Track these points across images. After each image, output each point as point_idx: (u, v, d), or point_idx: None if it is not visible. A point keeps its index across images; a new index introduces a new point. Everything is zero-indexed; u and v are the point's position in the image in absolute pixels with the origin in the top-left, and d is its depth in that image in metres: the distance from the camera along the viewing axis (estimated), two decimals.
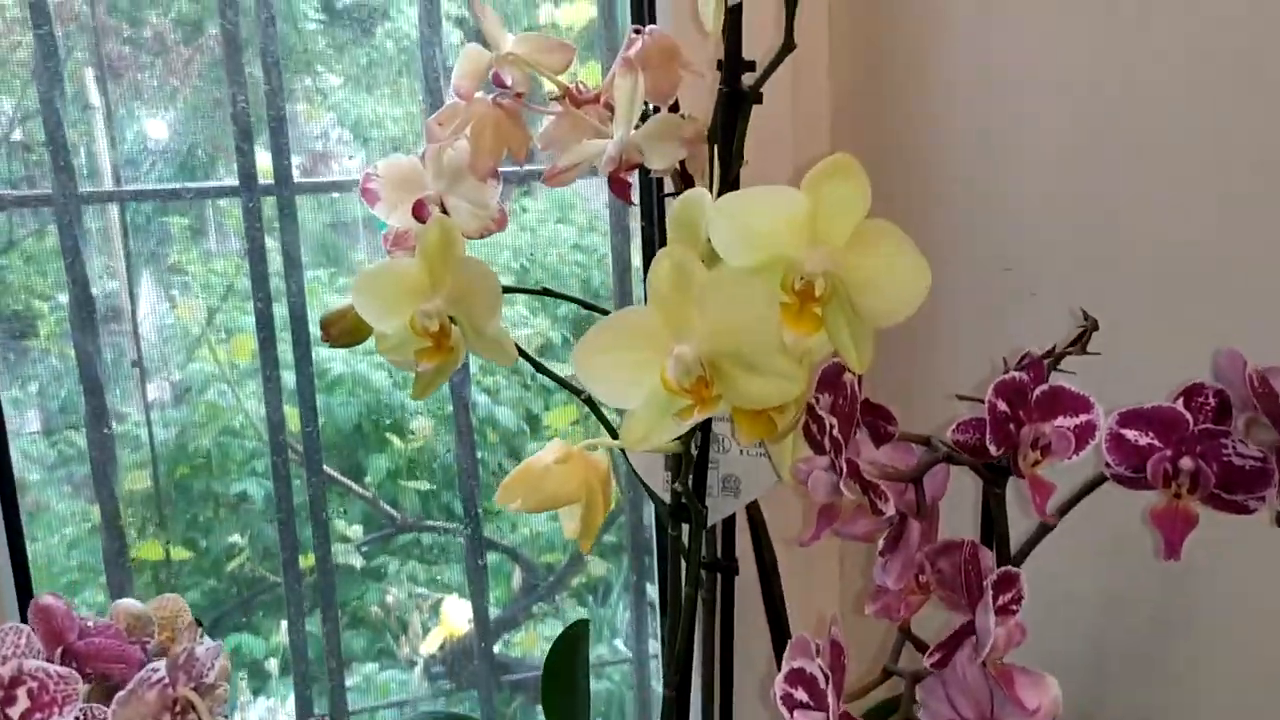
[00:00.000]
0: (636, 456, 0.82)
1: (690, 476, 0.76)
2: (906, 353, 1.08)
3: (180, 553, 2.13)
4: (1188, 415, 0.69)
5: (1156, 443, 0.69)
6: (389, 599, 2.43)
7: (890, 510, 0.63)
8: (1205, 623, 0.89)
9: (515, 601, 2.27)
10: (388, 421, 2.53)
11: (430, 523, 2.20)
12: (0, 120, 1.64)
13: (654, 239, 1.11)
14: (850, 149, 1.06)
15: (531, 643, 2.24)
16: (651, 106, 0.86)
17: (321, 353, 2.64)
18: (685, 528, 0.80)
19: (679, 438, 0.72)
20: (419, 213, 0.88)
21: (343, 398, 2.62)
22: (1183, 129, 0.85)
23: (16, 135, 1.74)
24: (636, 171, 0.86)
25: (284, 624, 1.60)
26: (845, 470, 0.64)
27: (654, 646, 1.67)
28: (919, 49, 1.07)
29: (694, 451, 0.77)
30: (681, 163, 0.85)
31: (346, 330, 0.87)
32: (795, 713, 0.65)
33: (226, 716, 0.62)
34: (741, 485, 0.81)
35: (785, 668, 0.67)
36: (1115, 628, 0.95)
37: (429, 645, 2.28)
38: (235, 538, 2.14)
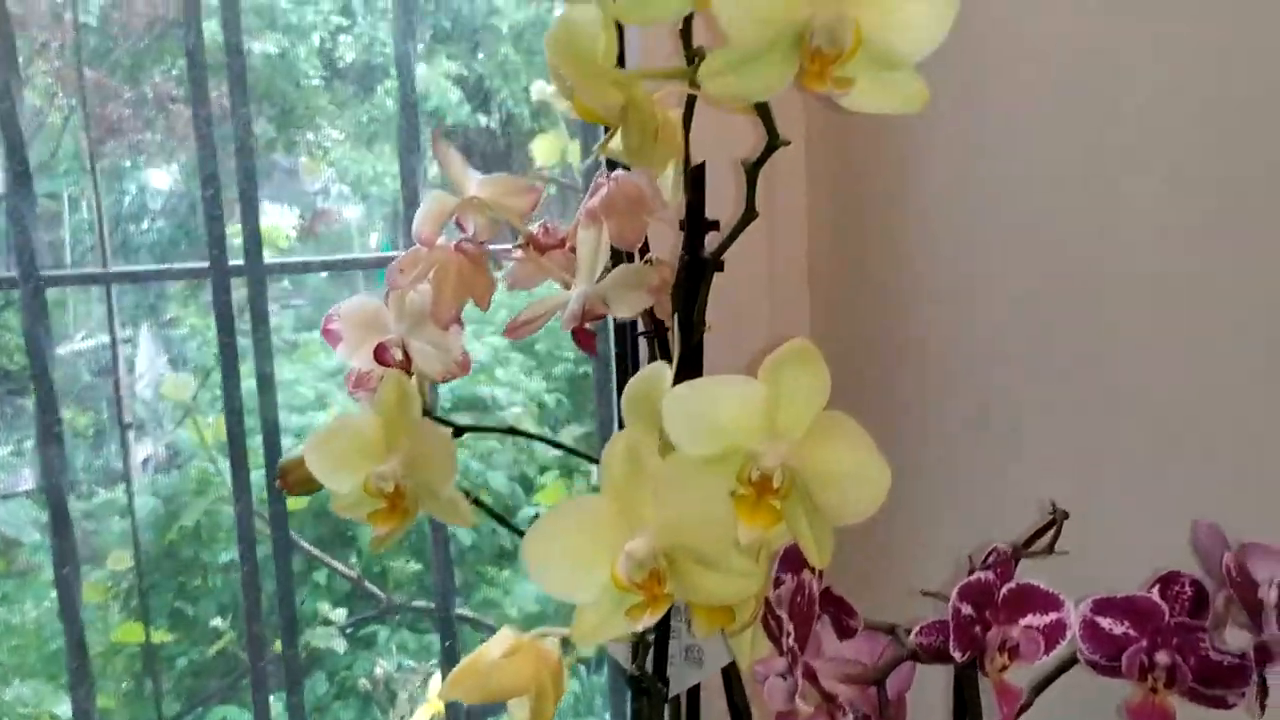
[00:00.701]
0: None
1: (649, 659, 0.73)
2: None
3: (161, 635, 2.11)
4: (1164, 606, 0.66)
5: (1132, 632, 0.66)
6: (377, 672, 2.40)
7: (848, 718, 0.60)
8: None
9: None
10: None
11: (413, 604, 2.16)
12: None
13: (626, 367, 1.08)
14: (826, 312, 1.04)
15: None
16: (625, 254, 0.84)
17: (318, 417, 2.62)
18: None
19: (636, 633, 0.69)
20: (381, 356, 0.85)
21: None
22: (1159, 292, 0.83)
23: None
24: None
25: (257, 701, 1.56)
26: (802, 676, 0.61)
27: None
28: (895, 213, 1.05)
29: (650, 638, 0.74)
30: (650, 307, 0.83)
31: (303, 480, 0.84)
32: None
33: None
34: (704, 656, 0.78)
35: None
36: None
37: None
38: (217, 621, 2.12)
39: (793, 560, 0.68)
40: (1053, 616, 0.64)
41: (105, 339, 2.76)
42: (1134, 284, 0.85)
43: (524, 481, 2.87)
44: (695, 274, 0.71)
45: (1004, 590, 0.63)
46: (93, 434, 3.02)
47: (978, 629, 0.63)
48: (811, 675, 0.61)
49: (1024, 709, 0.72)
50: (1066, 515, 0.69)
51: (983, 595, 0.63)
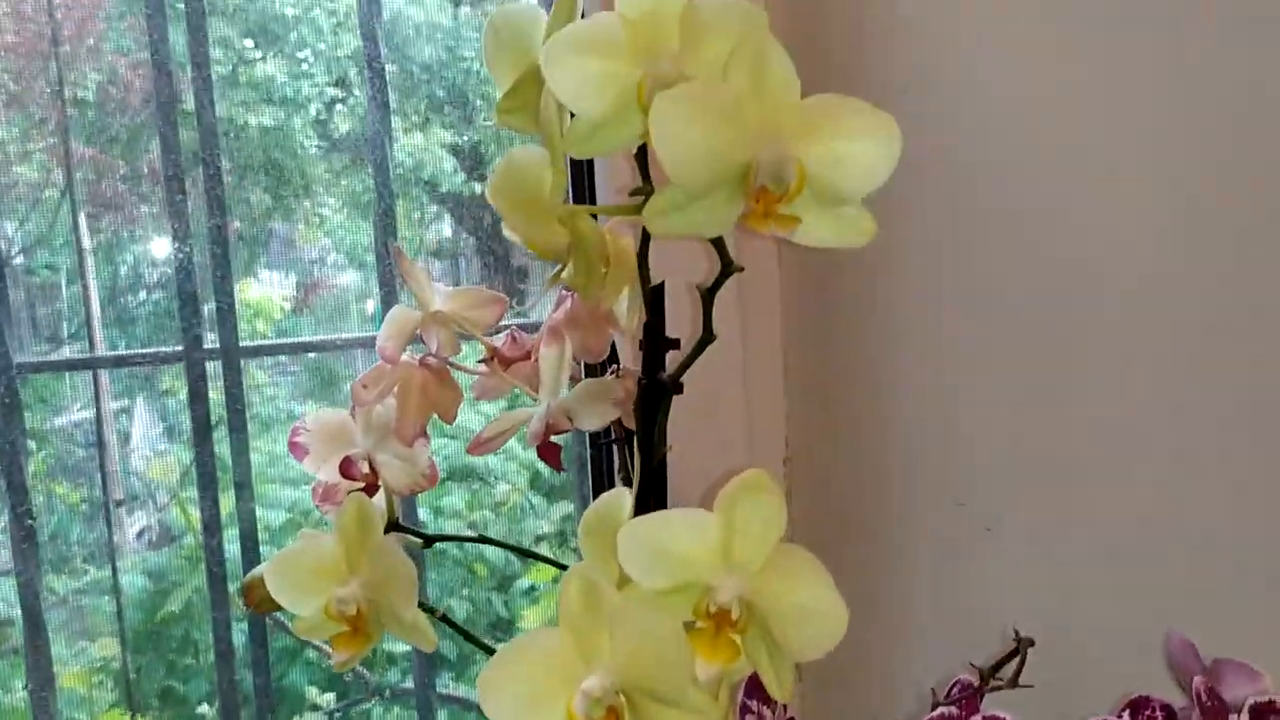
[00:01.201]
0: None
1: None
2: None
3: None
4: None
5: None
6: None
7: None
8: None
9: None
10: None
11: (400, 686, 2.14)
12: None
13: (601, 469, 1.07)
14: (803, 382, 1.03)
15: None
16: (583, 367, 0.84)
17: (304, 487, 2.60)
18: None
19: None
20: (347, 470, 0.85)
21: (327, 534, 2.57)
22: (1133, 370, 0.82)
23: None
24: None
25: None
26: None
27: None
28: (869, 297, 1.05)
29: None
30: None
31: (267, 598, 0.82)
32: None
33: None
34: None
35: None
36: None
37: None
38: (204, 709, 2.09)
39: (759, 687, 0.67)
40: None
41: (100, 410, 2.75)
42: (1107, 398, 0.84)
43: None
44: (654, 396, 0.71)
45: None
46: (85, 509, 3.01)
47: None
48: None
49: None
50: (1031, 642, 0.67)
51: None
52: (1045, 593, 0.87)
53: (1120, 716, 0.65)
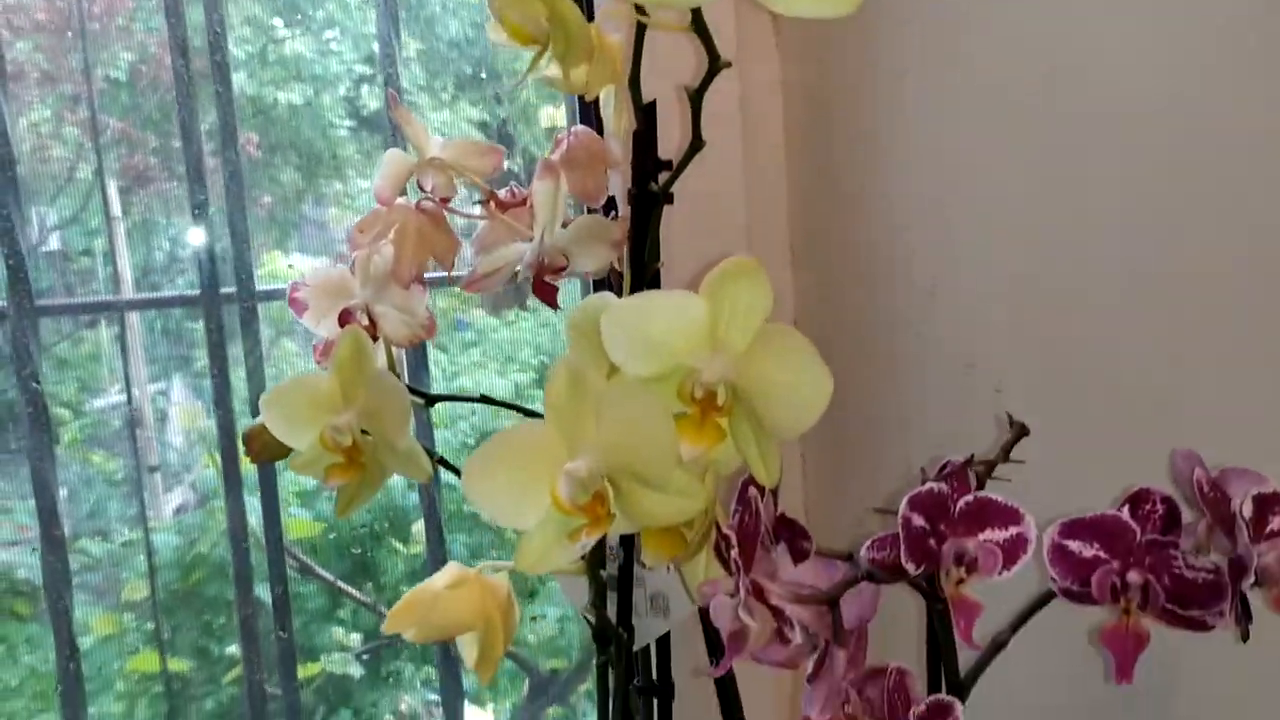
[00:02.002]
0: (564, 582, 0.77)
1: (606, 601, 0.71)
2: (868, 455, 1.03)
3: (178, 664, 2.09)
4: (1134, 525, 0.64)
5: (1102, 554, 0.63)
6: (401, 707, 2.37)
7: (797, 638, 0.57)
8: None
9: (524, 708, 2.20)
10: (399, 526, 2.49)
11: None
12: None
13: None
14: (807, 247, 1.03)
15: None
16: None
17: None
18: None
19: (584, 558, 0.67)
20: (345, 322, 0.84)
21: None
22: (1150, 225, 0.80)
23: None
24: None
25: None
26: (747, 592, 0.58)
27: None
28: (877, 145, 1.03)
29: (606, 574, 0.71)
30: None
31: (267, 446, 0.82)
32: None
33: None
34: (670, 604, 0.76)
35: None
36: None
37: None
38: (233, 649, 2.10)
39: (745, 496, 0.66)
40: (1013, 531, 0.61)
41: (137, 393, 2.77)
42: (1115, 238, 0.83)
43: None
44: (644, 207, 0.70)
45: (960, 503, 0.61)
46: (121, 479, 3.04)
47: (931, 542, 0.60)
48: (758, 591, 0.58)
49: (1000, 647, 0.69)
50: (1026, 430, 0.66)
51: (936, 507, 0.60)
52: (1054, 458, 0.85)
53: (1121, 509, 0.64)
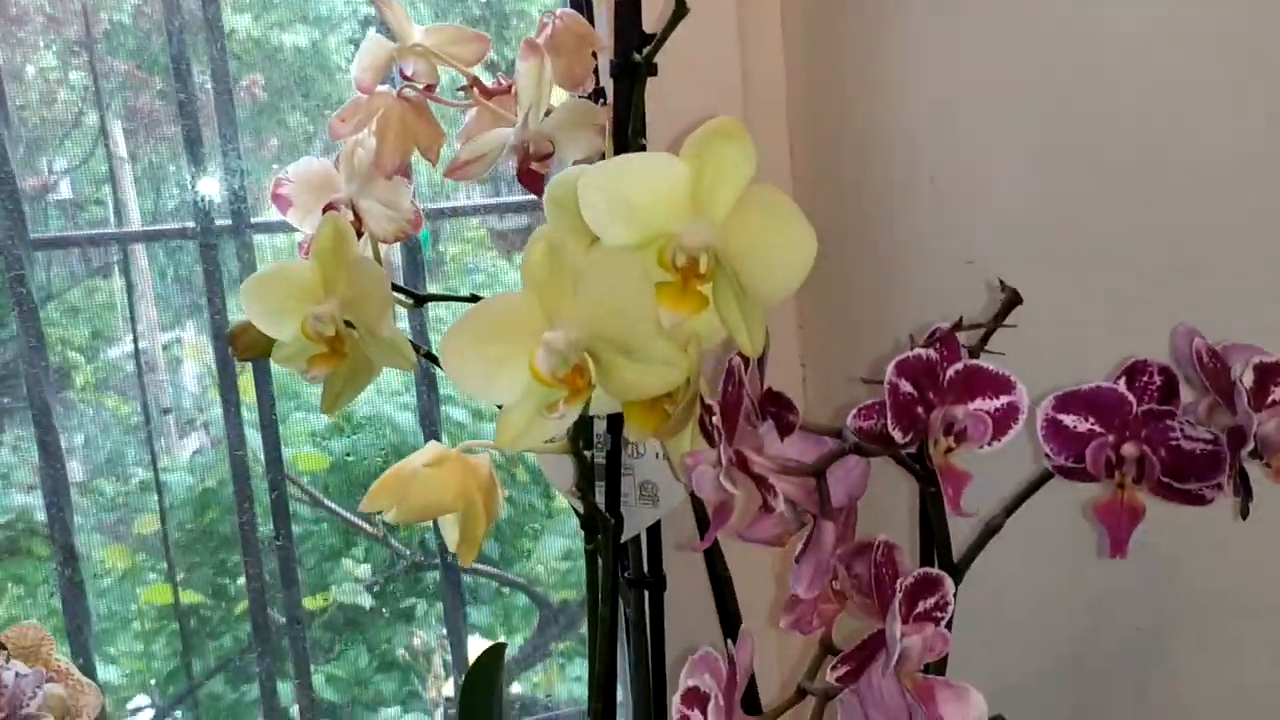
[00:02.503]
0: (547, 463, 0.75)
1: (593, 484, 0.69)
2: (863, 350, 1.01)
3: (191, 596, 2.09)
4: (1130, 397, 0.61)
5: (1097, 428, 0.61)
6: (415, 642, 2.38)
7: (779, 506, 0.56)
8: (1190, 624, 0.81)
9: (534, 639, 2.20)
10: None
11: (433, 561, 2.12)
12: None
13: None
14: (807, 137, 1.00)
15: (554, 681, 2.17)
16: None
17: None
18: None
19: (567, 437, 0.65)
20: None
21: (370, 439, 2.58)
22: (1159, 114, 0.78)
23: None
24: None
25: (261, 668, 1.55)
26: (730, 461, 0.56)
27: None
28: (881, 30, 1.00)
29: (592, 457, 0.69)
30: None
31: (252, 343, 0.81)
32: None
33: None
34: (660, 492, 0.74)
35: (681, 686, 0.60)
36: (1095, 636, 0.86)
37: (450, 687, 2.21)
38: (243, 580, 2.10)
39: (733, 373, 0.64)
40: (1004, 400, 0.59)
41: (147, 344, 2.77)
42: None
43: None
44: (627, 80, 0.68)
45: (950, 371, 0.59)
46: (134, 421, 3.05)
47: (919, 410, 0.58)
48: (742, 461, 0.57)
49: (994, 531, 0.67)
50: (1018, 297, 0.64)
51: (924, 374, 0.58)
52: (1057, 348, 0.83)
53: (1117, 381, 0.62)
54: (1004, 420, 0.58)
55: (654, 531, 0.77)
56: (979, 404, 0.58)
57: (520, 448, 0.61)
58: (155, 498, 2.44)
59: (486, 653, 0.79)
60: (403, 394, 2.32)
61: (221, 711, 2.25)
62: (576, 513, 0.74)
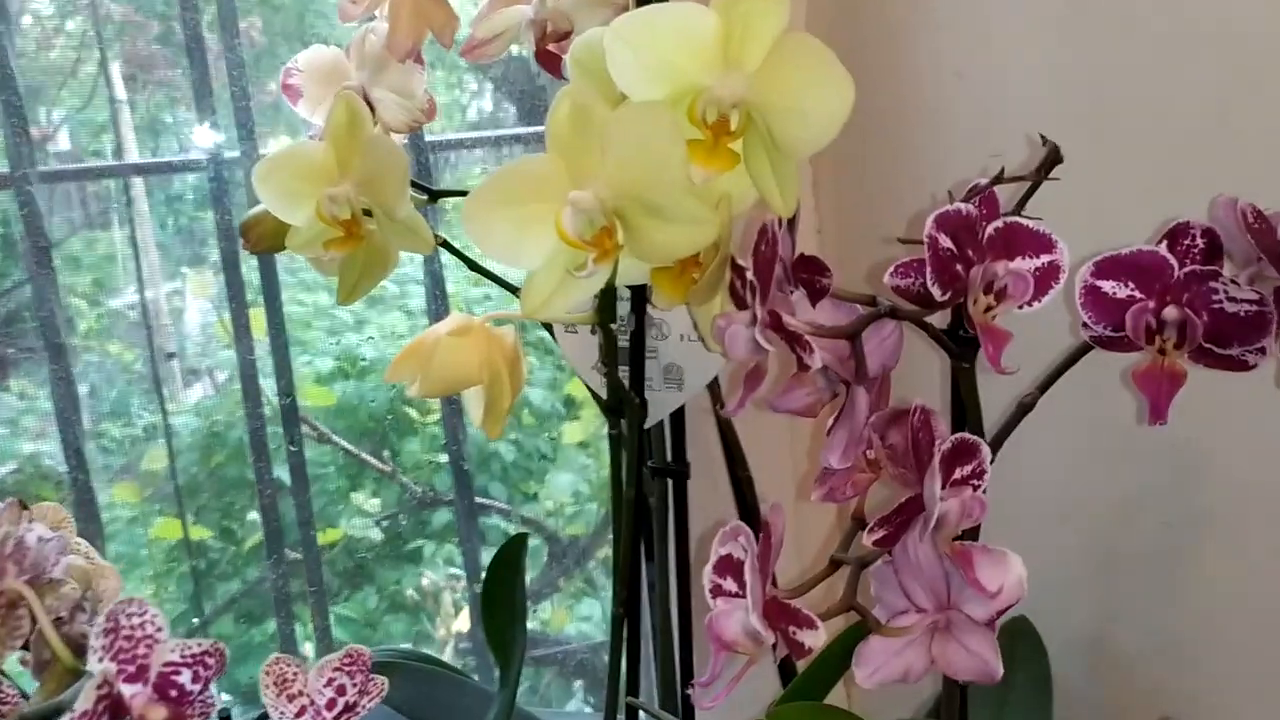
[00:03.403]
0: (568, 343, 0.73)
1: (616, 361, 0.67)
2: (881, 222, 0.98)
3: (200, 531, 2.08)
4: (1172, 260, 0.59)
5: (1137, 293, 0.59)
6: (423, 583, 2.37)
7: (816, 362, 0.53)
8: (1220, 522, 0.79)
9: (542, 575, 2.19)
10: (418, 403, 2.47)
11: (443, 498, 2.11)
12: None
13: None
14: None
15: (562, 619, 2.15)
16: None
17: (351, 338, 2.60)
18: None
19: (596, 309, 0.63)
20: None
21: (375, 380, 2.56)
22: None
23: None
24: None
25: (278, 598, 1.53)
26: (764, 321, 0.54)
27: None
28: None
29: (622, 333, 0.67)
30: None
31: (266, 234, 0.78)
32: (718, 600, 0.55)
33: (75, 619, 0.54)
34: (685, 375, 0.72)
35: (714, 556, 0.58)
36: (1125, 535, 0.85)
37: (461, 623, 2.20)
38: (254, 515, 2.08)
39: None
40: (1045, 259, 0.56)
41: (150, 294, 2.75)
42: None
43: (567, 402, 2.83)
44: None
45: (989, 228, 0.56)
46: (138, 367, 3.02)
47: (959, 267, 0.56)
48: (776, 320, 0.54)
49: (1027, 409, 0.65)
50: (1059, 153, 0.61)
51: (964, 230, 0.56)
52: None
53: (1158, 244, 0.60)
54: (1045, 279, 0.56)
55: (677, 417, 0.74)
56: (1020, 263, 0.56)
57: (547, 315, 0.59)
58: (163, 442, 2.42)
59: (508, 544, 0.78)
60: (406, 336, 2.29)
61: (233, 651, 2.25)
62: (596, 398, 0.72)
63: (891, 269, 0.57)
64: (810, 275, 0.59)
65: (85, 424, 2.90)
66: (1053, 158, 0.61)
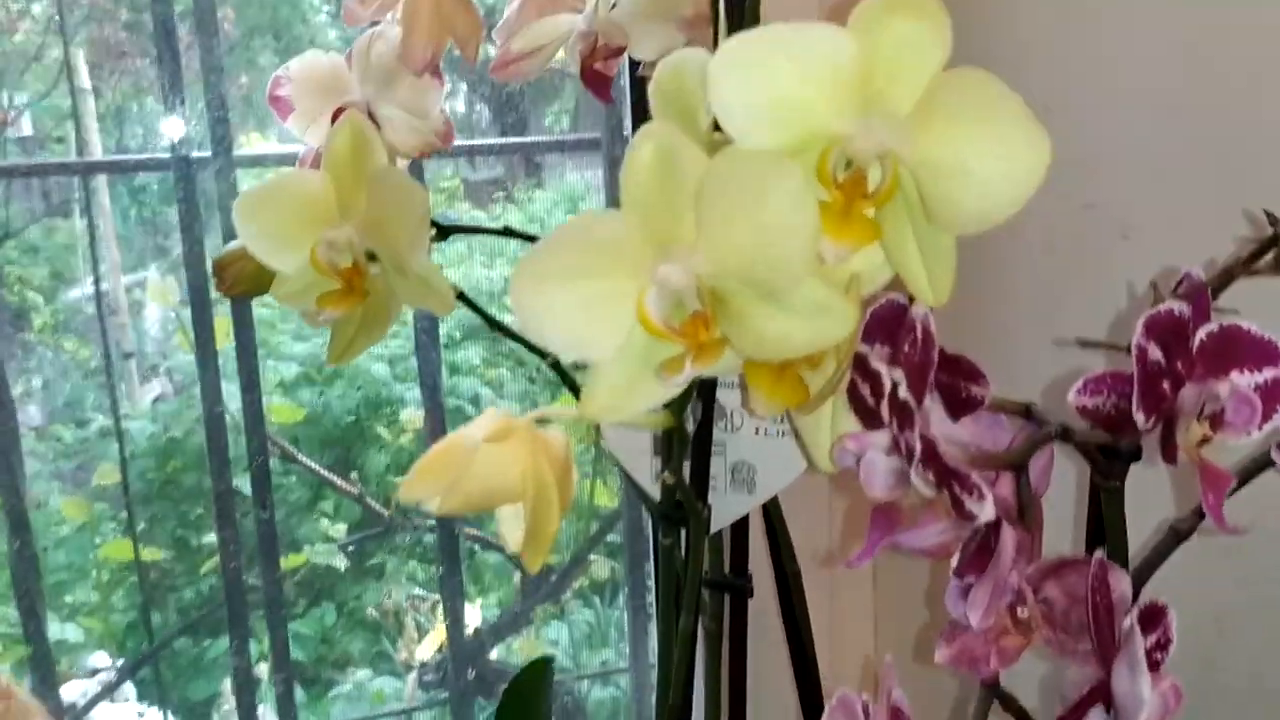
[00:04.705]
0: (614, 435, 0.58)
1: (687, 464, 0.52)
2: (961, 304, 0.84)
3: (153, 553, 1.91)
4: None
5: None
6: (385, 601, 2.21)
7: (987, 513, 0.39)
8: None
9: (515, 604, 2.03)
10: (387, 415, 2.31)
11: (416, 524, 1.95)
12: None
13: None
14: None
15: (533, 648, 2.00)
16: None
17: (317, 342, 2.42)
18: (682, 533, 0.55)
19: (668, 406, 0.47)
20: None
21: (341, 390, 2.39)
22: None
23: None
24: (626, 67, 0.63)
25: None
26: (919, 451, 0.39)
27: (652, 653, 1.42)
28: None
29: (690, 429, 0.52)
30: None
31: (244, 276, 0.62)
32: None
33: None
34: (757, 476, 0.57)
35: None
36: (1229, 651, 0.70)
37: (425, 650, 2.05)
38: (210, 537, 1.91)
39: (886, 326, 0.46)
40: (1271, 373, 0.42)
41: (108, 285, 2.57)
42: None
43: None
44: None
45: (1202, 333, 0.42)
46: (94, 366, 2.84)
47: (1165, 384, 0.41)
48: (930, 449, 0.40)
49: (1182, 537, 0.51)
50: None
51: (1174, 337, 0.41)
52: None
53: None
54: (1272, 399, 0.42)
55: (739, 525, 0.60)
56: (1240, 377, 0.42)
57: (617, 419, 0.44)
58: (115, 446, 2.23)
59: (527, 670, 0.62)
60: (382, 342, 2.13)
61: (184, 668, 2.09)
62: (643, 499, 0.57)
63: (1080, 385, 0.42)
64: (954, 380, 0.44)
65: (37, 422, 2.70)
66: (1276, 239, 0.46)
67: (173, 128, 1.17)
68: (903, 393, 0.39)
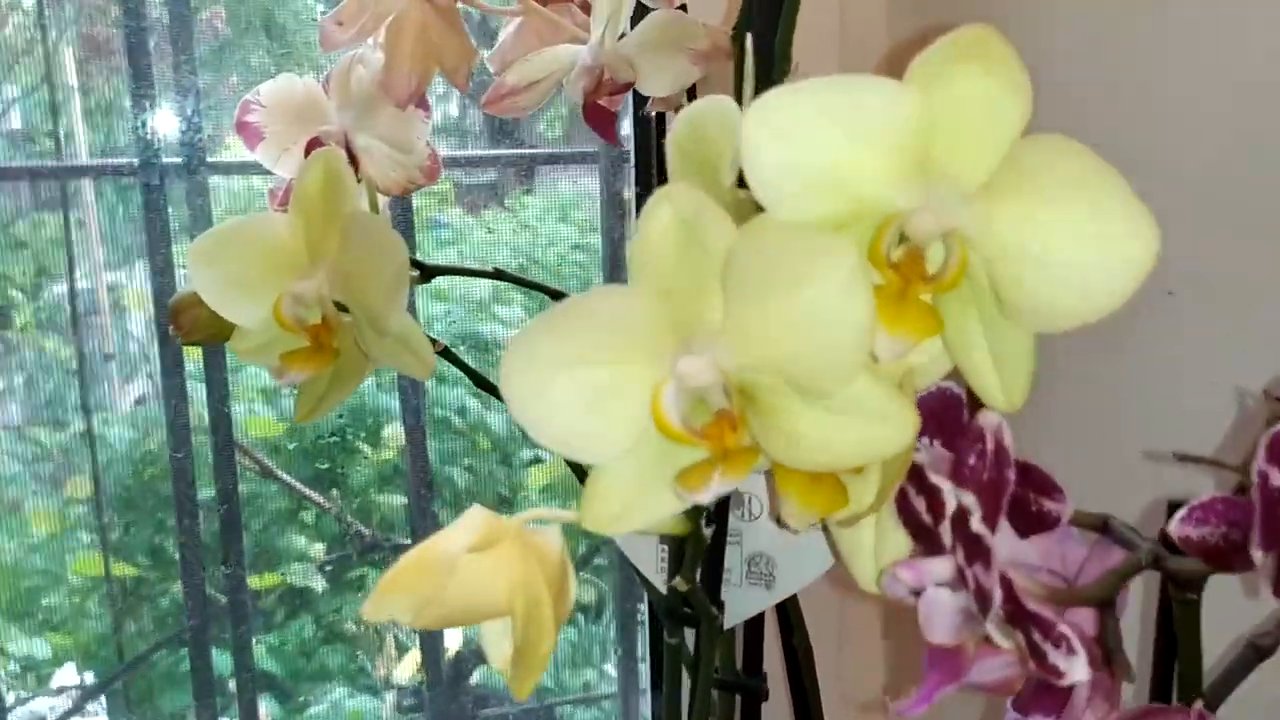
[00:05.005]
0: (628, 541, 0.51)
1: (699, 560, 0.45)
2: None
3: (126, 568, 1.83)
4: None
5: None
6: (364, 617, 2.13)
7: (1079, 673, 0.32)
8: None
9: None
10: (366, 429, 2.24)
11: (395, 541, 1.87)
12: None
13: None
14: None
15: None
16: None
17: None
18: (690, 631, 0.48)
19: (685, 514, 0.40)
20: None
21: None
22: None
23: None
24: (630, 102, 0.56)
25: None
26: (998, 595, 0.32)
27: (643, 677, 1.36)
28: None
29: (705, 526, 0.44)
30: (693, 91, 0.55)
31: (201, 322, 0.55)
32: None
33: None
34: (776, 571, 0.50)
35: None
36: None
37: (404, 671, 1.97)
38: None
39: (940, 420, 0.39)
40: None
41: (90, 285, 2.50)
42: None
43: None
44: None
45: None
46: (75, 367, 2.76)
47: None
48: (1009, 589, 0.33)
49: (1265, 654, 0.44)
50: None
51: None
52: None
53: None
54: None
55: (754, 621, 0.53)
56: None
57: (624, 530, 0.36)
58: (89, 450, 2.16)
59: None
60: None
61: (155, 682, 2.01)
62: (650, 591, 0.50)
63: (1185, 513, 0.35)
64: (1024, 493, 0.37)
65: (17, 420, 2.62)
66: None
67: (146, 132, 1.11)
68: (975, 525, 0.32)
